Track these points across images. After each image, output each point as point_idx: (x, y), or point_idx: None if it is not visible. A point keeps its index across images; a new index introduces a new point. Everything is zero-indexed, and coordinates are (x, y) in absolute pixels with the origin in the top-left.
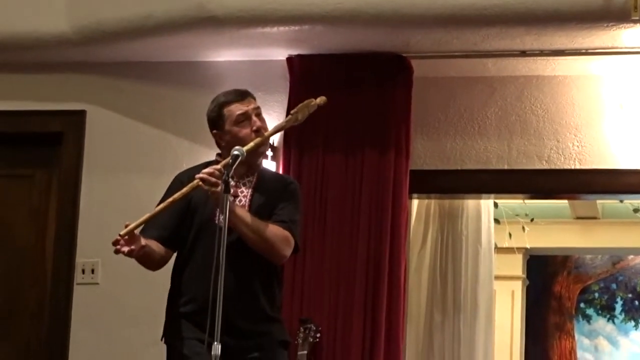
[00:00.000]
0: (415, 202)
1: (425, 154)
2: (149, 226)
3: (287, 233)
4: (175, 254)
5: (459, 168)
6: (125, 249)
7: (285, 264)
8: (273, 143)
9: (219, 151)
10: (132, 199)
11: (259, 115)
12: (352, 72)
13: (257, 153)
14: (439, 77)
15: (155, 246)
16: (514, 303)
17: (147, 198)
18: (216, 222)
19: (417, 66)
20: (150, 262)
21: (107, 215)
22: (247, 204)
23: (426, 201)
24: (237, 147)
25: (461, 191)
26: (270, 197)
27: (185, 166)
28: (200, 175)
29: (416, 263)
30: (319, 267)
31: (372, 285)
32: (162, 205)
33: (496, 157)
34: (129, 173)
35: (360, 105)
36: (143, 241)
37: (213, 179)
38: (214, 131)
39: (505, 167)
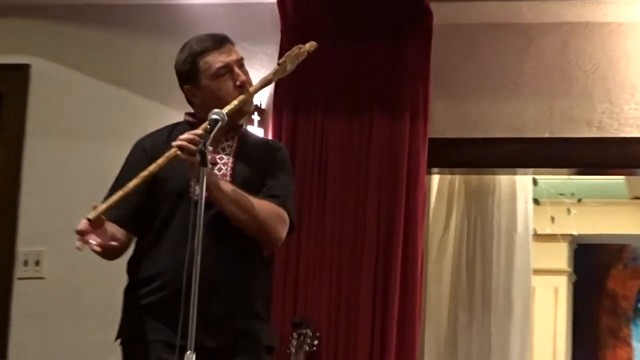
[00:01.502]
0: (435, 178)
1: (447, 118)
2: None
3: (281, 210)
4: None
5: (489, 136)
6: (95, 241)
7: (275, 251)
8: (260, 105)
9: (189, 110)
10: (87, 171)
11: (242, 67)
12: (359, 18)
13: (239, 113)
14: (464, 25)
15: (116, 230)
16: (558, 302)
17: (104, 169)
18: (192, 195)
19: (438, 11)
20: (112, 251)
21: (55, 191)
22: (228, 175)
23: (449, 177)
24: (216, 111)
25: (492, 164)
26: (257, 166)
27: (152, 130)
28: (179, 142)
29: (436, 252)
30: (316, 255)
31: (382, 278)
32: (136, 180)
33: (534, 122)
34: (82, 139)
35: (368, 58)
36: (109, 226)
37: (193, 147)
38: (186, 86)
39: (546, 134)
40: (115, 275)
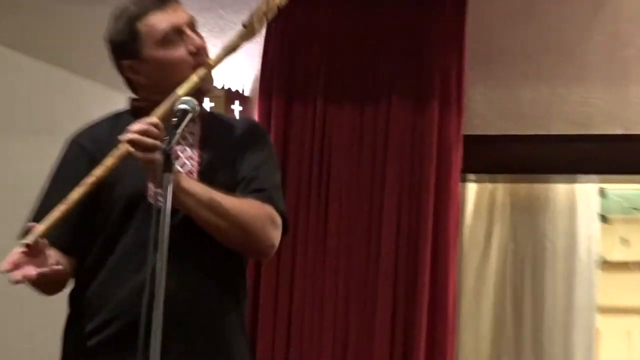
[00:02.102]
0: (471, 187)
1: (488, 109)
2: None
3: (269, 208)
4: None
5: (543, 132)
6: (34, 271)
7: (265, 271)
8: (243, 91)
9: (133, 95)
10: (15, 170)
11: (194, 30)
12: None
13: (199, 92)
14: None
15: (59, 255)
16: (631, 350)
17: (36, 169)
18: (151, 200)
19: None
20: (54, 282)
21: None
22: (195, 171)
23: (489, 185)
24: (184, 99)
25: (546, 169)
26: (229, 155)
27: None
28: (130, 135)
29: (473, 283)
30: (316, 285)
31: (403, 316)
32: (80, 189)
33: (603, 114)
34: (6, 132)
35: (384, 29)
36: (51, 252)
37: (150, 141)
38: (125, 62)
39: (619, 131)
40: (49, 307)
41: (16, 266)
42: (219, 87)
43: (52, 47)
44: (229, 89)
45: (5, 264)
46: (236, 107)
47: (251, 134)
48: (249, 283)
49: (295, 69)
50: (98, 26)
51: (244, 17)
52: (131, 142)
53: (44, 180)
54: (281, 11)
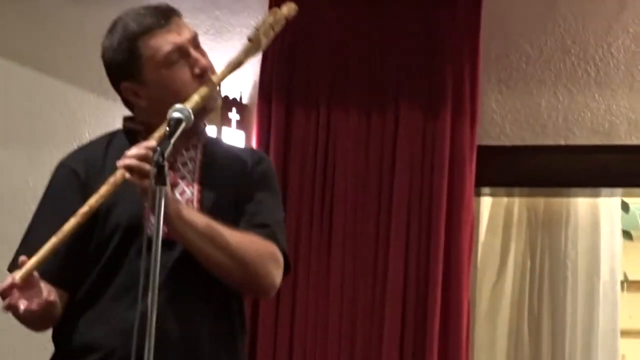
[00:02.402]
0: (486, 201)
1: (503, 116)
2: (25, 254)
3: (271, 245)
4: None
5: (563, 143)
6: (23, 304)
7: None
8: (239, 99)
9: (128, 113)
10: (3, 192)
11: (198, 47)
12: None
13: (203, 111)
14: None
15: (50, 289)
16: None
17: (25, 190)
18: (149, 230)
19: None
20: (45, 317)
21: None
22: (195, 199)
23: (505, 200)
24: (177, 106)
25: (566, 182)
26: (232, 185)
27: (89, 136)
28: (127, 160)
29: (488, 304)
30: (318, 313)
31: (412, 342)
32: (74, 220)
33: (627, 123)
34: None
35: (392, 27)
36: (44, 285)
37: (148, 167)
38: (124, 83)
39: None
40: (34, 343)
41: (4, 295)
42: (219, 102)
43: (39, 51)
44: (226, 96)
45: (3, 289)
46: (233, 115)
47: (254, 165)
48: (247, 310)
49: (296, 73)
50: (91, 30)
51: (240, 18)
52: (128, 168)
53: (35, 191)
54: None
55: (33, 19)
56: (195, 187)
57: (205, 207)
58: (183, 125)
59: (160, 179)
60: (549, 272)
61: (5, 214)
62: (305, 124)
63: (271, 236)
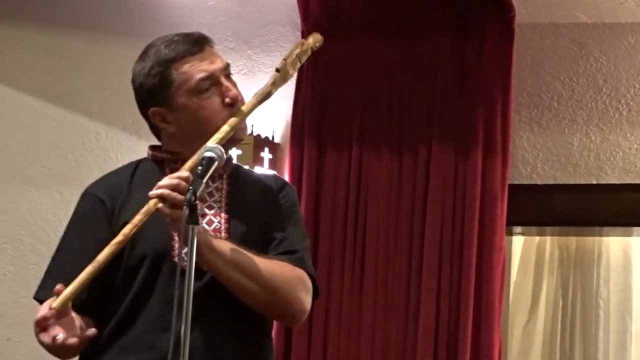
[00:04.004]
0: (518, 240)
1: (535, 155)
2: (49, 282)
3: (300, 271)
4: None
5: (594, 182)
6: (60, 332)
7: (296, 331)
8: (272, 137)
9: (154, 142)
10: (23, 226)
11: (229, 77)
12: (408, 14)
13: (231, 141)
14: (559, 24)
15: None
16: None
17: (57, 228)
18: (176, 259)
19: (522, 5)
20: (75, 346)
21: None
22: (223, 229)
23: (537, 239)
24: (209, 146)
25: (598, 221)
26: (258, 213)
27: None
28: (159, 190)
29: (520, 344)
30: (350, 339)
31: None
32: (108, 250)
33: None
34: (18, 182)
35: (423, 69)
36: (76, 316)
37: (180, 197)
38: (153, 108)
39: None
40: None
41: (42, 325)
42: (247, 132)
43: (55, 83)
44: (258, 135)
45: (36, 320)
46: (265, 155)
47: (279, 191)
48: (279, 345)
49: (328, 113)
50: (123, 69)
51: (272, 57)
52: (160, 198)
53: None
54: (313, 52)
55: (65, 58)
56: (223, 216)
57: (233, 237)
58: (215, 164)
59: (193, 218)
60: (580, 310)
61: (37, 253)
62: (337, 163)
63: (299, 262)
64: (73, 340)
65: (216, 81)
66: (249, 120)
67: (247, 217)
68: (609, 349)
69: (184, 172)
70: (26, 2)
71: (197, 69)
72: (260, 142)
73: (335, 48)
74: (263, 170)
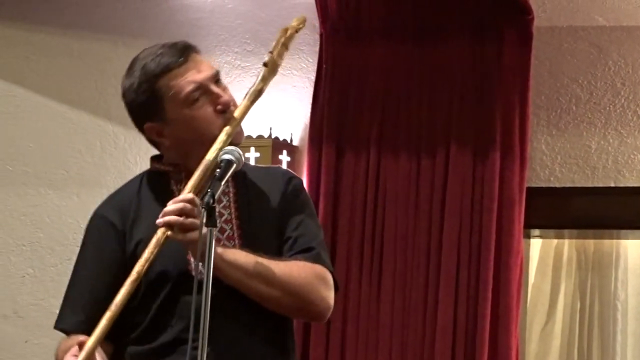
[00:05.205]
0: (535, 243)
1: (553, 158)
2: (68, 312)
3: (319, 268)
4: None
5: (612, 185)
6: None
7: (314, 334)
8: (291, 141)
9: (155, 152)
10: (41, 228)
11: (218, 82)
12: (427, 17)
13: (230, 145)
14: (577, 27)
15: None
16: None
17: (76, 231)
18: (193, 273)
19: (540, 8)
20: None
21: None
22: (236, 236)
23: (555, 242)
24: (228, 148)
25: (616, 224)
26: (268, 212)
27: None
28: (167, 218)
29: (537, 347)
30: (369, 341)
31: None
32: (125, 290)
33: None
34: (37, 185)
35: (441, 72)
36: (99, 357)
37: (187, 221)
38: (148, 124)
39: None
40: None
41: None
42: (266, 135)
43: (81, 89)
44: (276, 137)
45: None
46: (284, 157)
47: (287, 187)
48: (297, 347)
49: (346, 116)
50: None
51: (291, 60)
52: (168, 226)
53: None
54: (332, 55)
55: (84, 61)
56: (234, 222)
57: (246, 242)
58: (234, 167)
59: (211, 221)
60: (598, 313)
61: (55, 255)
62: (355, 165)
63: (317, 258)
64: None
65: (206, 90)
66: (268, 123)
67: (258, 219)
68: (626, 351)
69: (187, 195)
70: (46, 6)
71: (185, 81)
72: (279, 145)
73: (354, 51)
74: None
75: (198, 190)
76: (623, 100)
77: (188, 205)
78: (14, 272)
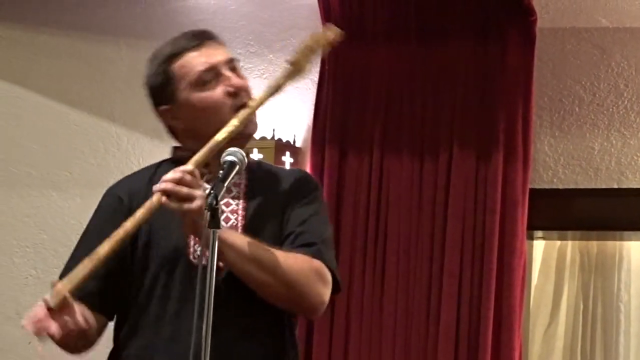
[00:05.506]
0: (538, 245)
1: (556, 160)
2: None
3: (317, 263)
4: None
5: (615, 186)
6: (55, 327)
7: (317, 334)
8: (294, 142)
9: (175, 143)
10: (45, 230)
11: (234, 70)
12: (430, 19)
13: (242, 136)
14: (580, 28)
15: (87, 314)
16: None
17: (79, 232)
18: (192, 257)
19: (543, 9)
20: (80, 340)
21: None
22: (240, 225)
23: (558, 243)
24: (230, 150)
25: (619, 226)
26: (276, 206)
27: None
28: (163, 185)
29: (541, 346)
30: (372, 343)
31: None
32: (108, 244)
33: None
34: (40, 186)
35: (444, 73)
36: (78, 308)
37: (184, 190)
38: (162, 107)
39: None
40: None
41: (38, 322)
42: (269, 137)
43: (77, 87)
44: (279, 139)
45: (26, 321)
46: (287, 159)
47: (300, 185)
48: (300, 348)
49: (350, 117)
50: (136, 69)
51: None
52: (164, 192)
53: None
54: (335, 56)
55: (87, 63)
56: (240, 213)
57: (250, 231)
58: (237, 168)
59: (214, 222)
60: (601, 315)
61: (58, 257)
62: (358, 167)
63: (317, 254)
64: (64, 330)
65: (218, 73)
66: (271, 124)
67: (265, 212)
68: (629, 353)
69: (188, 166)
70: (49, 7)
71: (197, 62)
72: (282, 146)
73: (356, 52)
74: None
75: (199, 167)
76: (626, 102)
77: (188, 176)
78: (17, 273)
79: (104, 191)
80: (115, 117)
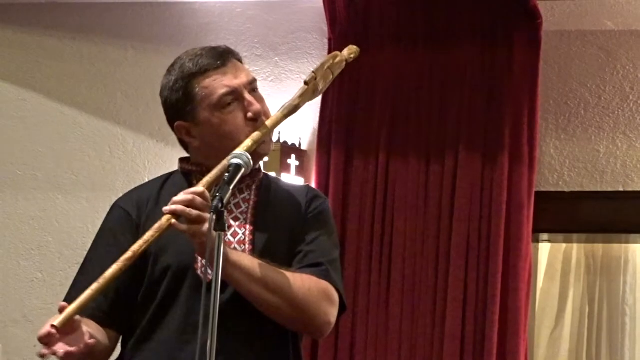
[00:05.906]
0: (544, 248)
1: (562, 162)
2: (74, 295)
3: (325, 284)
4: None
5: (621, 189)
6: (62, 348)
7: (322, 342)
8: (299, 144)
9: (184, 154)
10: (50, 232)
11: (254, 91)
12: (437, 22)
13: (255, 155)
14: (586, 31)
15: (94, 329)
16: None
17: (85, 235)
18: (200, 272)
19: (549, 12)
20: (88, 357)
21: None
22: (247, 241)
23: (563, 246)
24: (236, 152)
25: (624, 229)
26: (286, 225)
27: (146, 179)
28: (174, 207)
29: (547, 349)
30: (378, 347)
31: None
32: (116, 266)
33: None
34: (45, 189)
35: (450, 76)
36: (85, 329)
37: (194, 212)
38: (178, 122)
39: None
40: None
41: (44, 342)
42: (274, 140)
43: (86, 91)
44: (285, 142)
45: (38, 337)
46: (292, 162)
47: (308, 203)
48: (305, 353)
49: (355, 120)
50: (151, 78)
51: (299, 64)
52: (174, 214)
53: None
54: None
55: (93, 66)
56: (248, 228)
57: (257, 249)
58: (242, 171)
59: (220, 224)
60: (607, 318)
61: (64, 260)
62: (364, 170)
63: (324, 275)
64: (72, 349)
65: (239, 96)
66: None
67: (273, 229)
68: (635, 355)
69: (199, 188)
70: (56, 11)
71: (219, 84)
72: (287, 149)
73: (362, 55)
74: (290, 177)
75: (211, 188)
76: (632, 105)
77: (198, 198)
78: (23, 276)
79: (109, 194)
80: (120, 120)
